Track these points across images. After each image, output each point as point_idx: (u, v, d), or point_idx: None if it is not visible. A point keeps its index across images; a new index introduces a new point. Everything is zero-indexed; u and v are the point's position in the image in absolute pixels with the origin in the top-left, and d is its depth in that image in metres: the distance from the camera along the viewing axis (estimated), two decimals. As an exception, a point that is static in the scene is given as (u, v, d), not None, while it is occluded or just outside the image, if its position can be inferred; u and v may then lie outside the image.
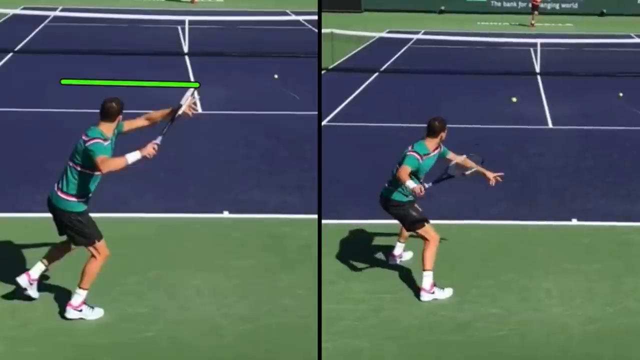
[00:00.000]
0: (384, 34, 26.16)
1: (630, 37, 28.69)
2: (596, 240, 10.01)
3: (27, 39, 22.90)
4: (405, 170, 8.03)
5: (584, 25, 32.49)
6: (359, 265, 9.00)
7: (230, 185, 11.46)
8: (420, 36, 26.27)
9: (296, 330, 7.58)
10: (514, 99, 17.47)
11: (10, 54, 20.47)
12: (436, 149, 8.30)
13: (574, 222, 10.60)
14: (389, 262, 9.05)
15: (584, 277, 8.79)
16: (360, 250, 9.34)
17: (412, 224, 8.34)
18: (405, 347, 7.40)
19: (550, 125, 16.13)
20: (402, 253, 9.11)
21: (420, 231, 8.32)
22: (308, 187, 11.23)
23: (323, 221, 9.53)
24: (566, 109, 17.34)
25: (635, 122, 16.31)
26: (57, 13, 25.37)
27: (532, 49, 24.03)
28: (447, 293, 8.30)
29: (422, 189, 7.99)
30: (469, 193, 11.39)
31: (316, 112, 13.79)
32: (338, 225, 10.07)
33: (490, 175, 8.56)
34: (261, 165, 12.47)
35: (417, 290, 8.33)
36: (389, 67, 22.40)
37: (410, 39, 26.00)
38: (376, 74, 21.15)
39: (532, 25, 32.32)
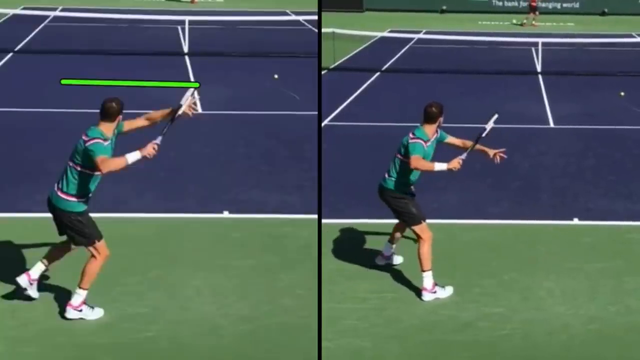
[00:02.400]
0: (386, 34, 26.11)
1: (631, 36, 28.63)
2: (598, 239, 9.99)
3: (27, 39, 22.87)
4: (418, 159, 7.92)
5: (585, 25, 32.44)
6: (360, 264, 8.96)
7: (230, 185, 11.43)
8: (421, 36, 26.22)
9: (296, 330, 7.56)
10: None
11: (10, 54, 20.44)
12: (434, 135, 8.24)
13: (576, 221, 10.58)
14: (376, 263, 8.85)
15: (585, 276, 8.77)
16: (360, 250, 9.31)
17: (409, 219, 8.28)
18: (407, 347, 7.37)
19: (552, 125, 16.10)
20: (393, 257, 8.91)
21: (415, 228, 8.25)
22: (308, 187, 11.21)
23: (323, 221, 9.50)
24: (567, 108, 17.31)
25: (637, 121, 16.27)
26: (57, 13, 25.33)
27: (533, 49, 24.00)
28: (447, 291, 8.27)
29: (460, 162, 8.01)
30: (470, 192, 11.38)
31: (316, 112, 13.76)
32: (338, 225, 10.04)
33: (491, 152, 8.49)
34: (261, 165, 12.45)
35: (418, 289, 8.30)
36: (390, 66, 22.36)
37: (412, 39, 25.94)
38: (377, 73, 21.11)
39: (534, 25, 32.28)
